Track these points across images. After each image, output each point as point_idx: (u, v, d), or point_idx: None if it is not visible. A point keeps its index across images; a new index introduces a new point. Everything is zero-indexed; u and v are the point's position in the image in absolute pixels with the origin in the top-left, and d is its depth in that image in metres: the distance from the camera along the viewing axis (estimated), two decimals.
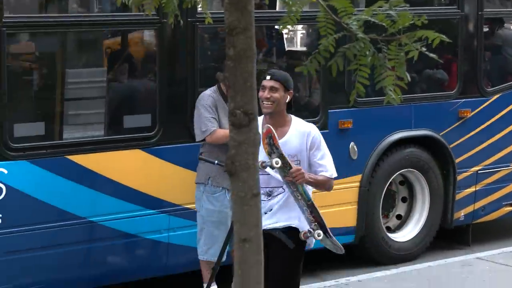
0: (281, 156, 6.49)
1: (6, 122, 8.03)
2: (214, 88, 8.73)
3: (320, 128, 9.65)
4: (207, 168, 8.64)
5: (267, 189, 6.79)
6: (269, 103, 6.73)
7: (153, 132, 8.86)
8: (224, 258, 7.62)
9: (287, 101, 6.79)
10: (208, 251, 8.69)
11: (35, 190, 8.18)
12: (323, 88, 9.94)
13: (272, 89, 6.74)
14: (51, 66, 8.79)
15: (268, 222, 6.69)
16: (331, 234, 6.92)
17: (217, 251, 8.05)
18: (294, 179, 6.50)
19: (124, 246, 8.80)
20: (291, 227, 6.83)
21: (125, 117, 8.87)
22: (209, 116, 8.55)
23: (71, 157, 8.38)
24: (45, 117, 8.54)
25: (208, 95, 8.66)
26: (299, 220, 6.83)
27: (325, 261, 10.19)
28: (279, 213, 6.81)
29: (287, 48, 10.81)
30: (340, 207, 9.96)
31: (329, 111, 9.88)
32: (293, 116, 6.92)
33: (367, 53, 4.28)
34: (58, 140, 8.47)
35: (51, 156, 8.30)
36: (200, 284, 8.81)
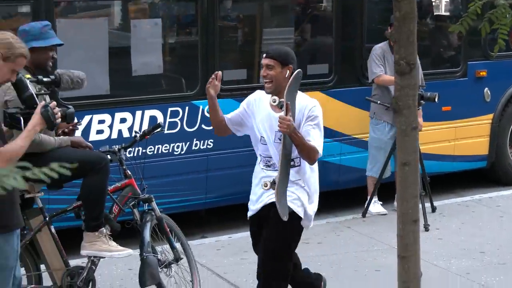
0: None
1: (217, 69, 8.14)
2: (385, 42, 8.83)
3: (460, 76, 9.51)
4: (373, 106, 8.89)
5: (266, 159, 5.41)
6: (267, 81, 5.26)
7: (329, 78, 8.87)
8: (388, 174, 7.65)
9: (286, 75, 5.21)
10: (372, 169, 8.97)
11: None
12: (464, 45, 9.78)
13: (268, 67, 5.25)
14: (250, 26, 8.83)
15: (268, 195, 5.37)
16: (281, 199, 5.15)
17: (379, 169, 8.75)
18: (279, 125, 5.01)
19: None
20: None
21: (308, 66, 8.86)
22: (378, 63, 8.71)
23: None
24: (247, 65, 8.61)
25: (379, 47, 8.83)
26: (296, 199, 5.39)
27: (463, 181, 10.11)
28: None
29: (435, 13, 10.60)
30: (476, 139, 9.80)
31: (468, 63, 9.72)
32: (299, 92, 5.31)
33: (507, 16, 4.21)
34: (257, 83, 8.52)
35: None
36: (365, 197, 8.87)
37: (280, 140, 5.21)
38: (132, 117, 7.74)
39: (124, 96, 7.82)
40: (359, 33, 9.03)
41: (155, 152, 7.79)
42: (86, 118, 7.46)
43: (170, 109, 7.93)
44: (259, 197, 5.49)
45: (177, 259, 6.20)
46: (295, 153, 5.24)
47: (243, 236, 8.07)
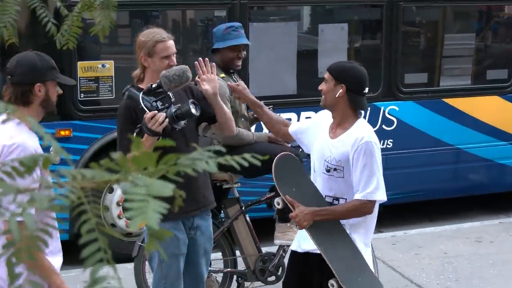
0: None
1: (400, 72, 8.12)
2: None
3: None
4: None
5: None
6: (321, 94, 4.27)
7: (508, 83, 8.60)
8: None
9: (337, 94, 4.15)
10: None
11: (417, 123, 8.21)
12: None
13: (324, 80, 4.27)
14: (433, 32, 8.71)
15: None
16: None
17: None
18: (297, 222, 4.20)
19: (482, 168, 8.64)
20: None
21: (488, 71, 8.65)
22: None
23: (446, 100, 8.32)
24: (427, 69, 8.50)
25: None
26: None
27: None
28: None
29: None
30: None
31: None
32: (361, 120, 4.26)
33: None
34: (437, 87, 8.41)
35: (431, 98, 8.27)
36: None
37: (327, 171, 4.23)
38: None
39: (310, 96, 7.90)
40: None
41: None
42: None
43: None
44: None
45: None
46: (338, 192, 4.24)
47: (418, 232, 8.01)
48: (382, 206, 8.43)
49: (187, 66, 4.38)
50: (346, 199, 4.21)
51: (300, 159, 5.25)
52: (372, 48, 8.42)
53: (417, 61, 8.59)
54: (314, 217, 4.14)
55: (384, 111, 8.01)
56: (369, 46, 8.49)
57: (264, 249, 6.08)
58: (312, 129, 4.41)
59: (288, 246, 5.82)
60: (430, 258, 7.23)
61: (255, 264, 5.83)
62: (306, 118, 7.76)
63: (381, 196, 4.14)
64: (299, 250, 4.37)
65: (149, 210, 1.16)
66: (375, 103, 8.02)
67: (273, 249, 6.05)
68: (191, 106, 4.36)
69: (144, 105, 4.39)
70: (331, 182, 4.23)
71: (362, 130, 4.18)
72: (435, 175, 8.34)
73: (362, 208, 4.14)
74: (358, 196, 4.13)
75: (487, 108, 8.51)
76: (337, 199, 4.24)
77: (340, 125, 4.23)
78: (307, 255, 4.33)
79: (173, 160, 1.34)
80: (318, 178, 4.30)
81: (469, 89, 8.48)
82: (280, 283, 5.95)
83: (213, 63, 4.69)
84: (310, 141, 4.40)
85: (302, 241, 4.34)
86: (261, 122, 5.45)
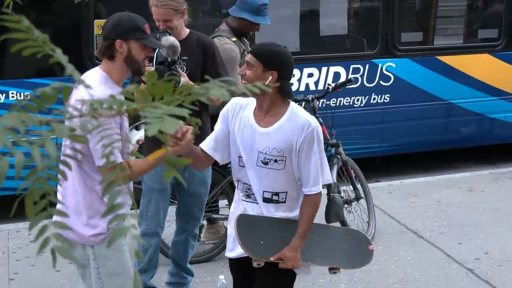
0: None
1: (396, 31, 8.03)
2: None
3: None
4: None
5: (245, 187, 3.77)
6: (243, 81, 3.61)
7: (498, 42, 8.50)
8: None
9: (268, 83, 3.48)
10: None
11: (413, 79, 8.13)
12: None
13: (248, 65, 3.59)
14: None
15: None
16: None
17: None
18: (281, 265, 3.65)
19: (472, 122, 8.58)
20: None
21: (479, 30, 8.55)
22: None
23: (440, 57, 8.23)
24: (423, 28, 8.40)
25: None
26: None
27: None
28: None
29: None
30: None
31: None
32: (292, 104, 3.66)
33: None
34: (431, 45, 8.32)
35: (425, 56, 8.19)
36: None
37: (264, 164, 3.62)
38: (318, 73, 7.75)
39: (312, 54, 7.84)
40: None
41: (338, 104, 7.79)
42: None
43: (352, 66, 7.88)
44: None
45: (357, 198, 6.23)
46: (277, 186, 3.66)
47: (413, 182, 7.99)
48: (380, 157, 8.44)
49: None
50: (286, 192, 3.66)
51: None
52: (371, 8, 8.31)
53: (413, 21, 8.48)
54: (299, 248, 3.63)
55: (381, 68, 7.95)
56: (368, 7, 8.38)
57: None
58: (223, 131, 3.69)
59: None
60: (425, 206, 7.22)
61: None
62: (309, 74, 7.70)
63: (329, 178, 3.68)
64: (232, 256, 3.81)
65: (166, 119, 1.13)
66: (373, 60, 7.94)
67: None
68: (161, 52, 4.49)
69: (157, 61, 4.49)
70: (270, 175, 3.61)
71: (303, 115, 3.62)
72: (429, 128, 8.30)
73: (319, 200, 3.66)
74: (313, 189, 3.61)
75: (478, 65, 8.42)
76: (277, 194, 3.66)
77: (269, 112, 3.60)
78: (241, 259, 3.78)
79: (188, 91, 1.30)
80: (250, 172, 3.64)
81: (462, 47, 8.39)
82: None
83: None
84: (230, 142, 3.70)
85: (231, 248, 3.81)
86: None
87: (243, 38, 5.69)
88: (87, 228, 3.51)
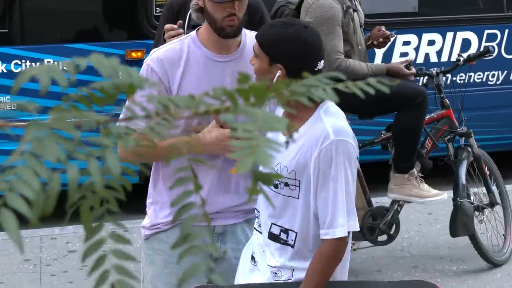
0: None
1: None
2: None
3: None
4: None
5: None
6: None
7: None
8: None
9: (276, 79, 3.17)
10: None
11: None
12: None
13: (254, 53, 3.32)
14: None
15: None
16: None
17: None
18: None
19: None
20: None
21: None
22: None
23: None
24: None
25: None
26: None
27: None
28: None
29: None
30: None
31: None
32: (324, 106, 3.26)
33: None
34: None
35: None
36: None
37: (274, 186, 3.27)
38: (442, 40, 7.66)
39: (434, 15, 7.77)
40: None
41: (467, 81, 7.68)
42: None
43: (486, 31, 7.76)
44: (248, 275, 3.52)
45: (492, 204, 6.13)
46: (288, 220, 3.32)
47: None
48: None
49: None
50: (297, 233, 3.29)
51: None
52: None
53: None
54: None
55: None
56: None
57: (375, 201, 6.01)
58: None
59: (405, 201, 5.75)
60: None
61: (363, 220, 5.64)
62: (429, 41, 7.62)
63: (355, 224, 3.26)
64: None
65: (261, 148, 1.12)
66: None
67: (385, 201, 5.99)
68: None
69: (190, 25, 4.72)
70: (281, 203, 3.30)
71: (326, 122, 3.21)
72: None
73: (338, 252, 3.23)
74: (329, 231, 3.19)
75: None
76: (286, 231, 3.31)
77: (292, 114, 3.15)
78: None
79: (284, 87, 1.28)
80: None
81: None
82: (392, 244, 5.90)
83: None
84: None
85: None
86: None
87: None
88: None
